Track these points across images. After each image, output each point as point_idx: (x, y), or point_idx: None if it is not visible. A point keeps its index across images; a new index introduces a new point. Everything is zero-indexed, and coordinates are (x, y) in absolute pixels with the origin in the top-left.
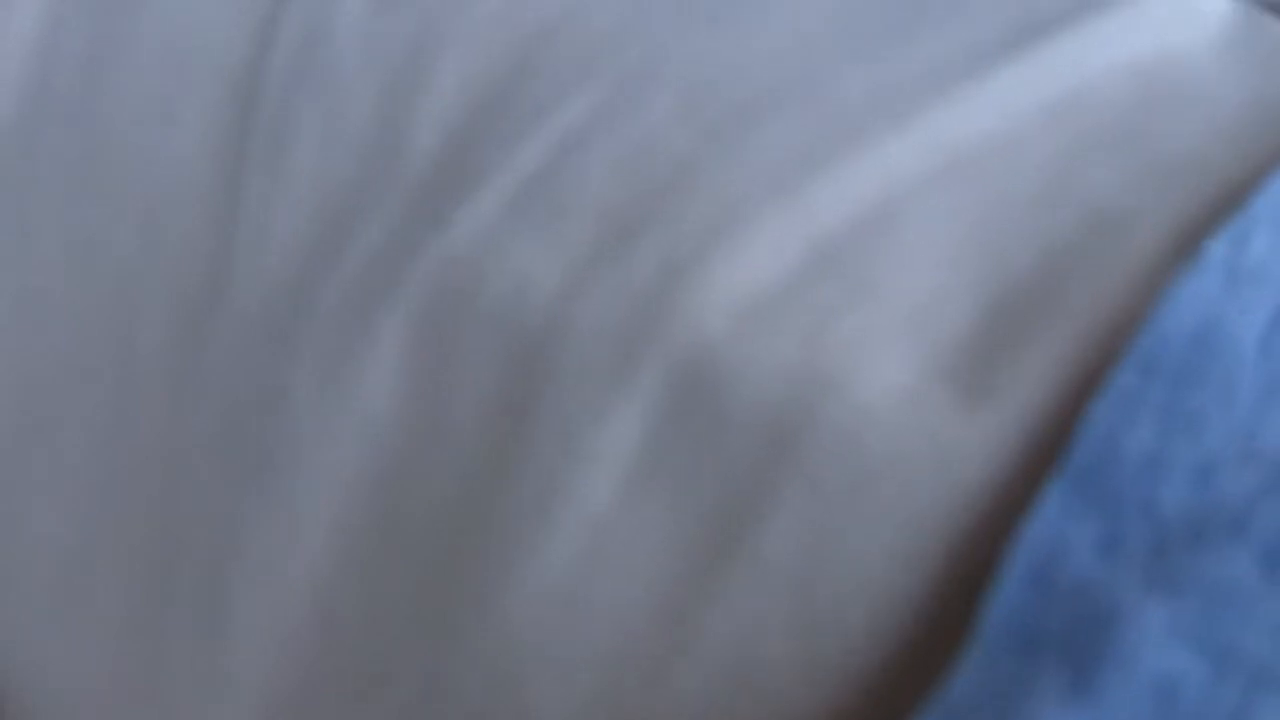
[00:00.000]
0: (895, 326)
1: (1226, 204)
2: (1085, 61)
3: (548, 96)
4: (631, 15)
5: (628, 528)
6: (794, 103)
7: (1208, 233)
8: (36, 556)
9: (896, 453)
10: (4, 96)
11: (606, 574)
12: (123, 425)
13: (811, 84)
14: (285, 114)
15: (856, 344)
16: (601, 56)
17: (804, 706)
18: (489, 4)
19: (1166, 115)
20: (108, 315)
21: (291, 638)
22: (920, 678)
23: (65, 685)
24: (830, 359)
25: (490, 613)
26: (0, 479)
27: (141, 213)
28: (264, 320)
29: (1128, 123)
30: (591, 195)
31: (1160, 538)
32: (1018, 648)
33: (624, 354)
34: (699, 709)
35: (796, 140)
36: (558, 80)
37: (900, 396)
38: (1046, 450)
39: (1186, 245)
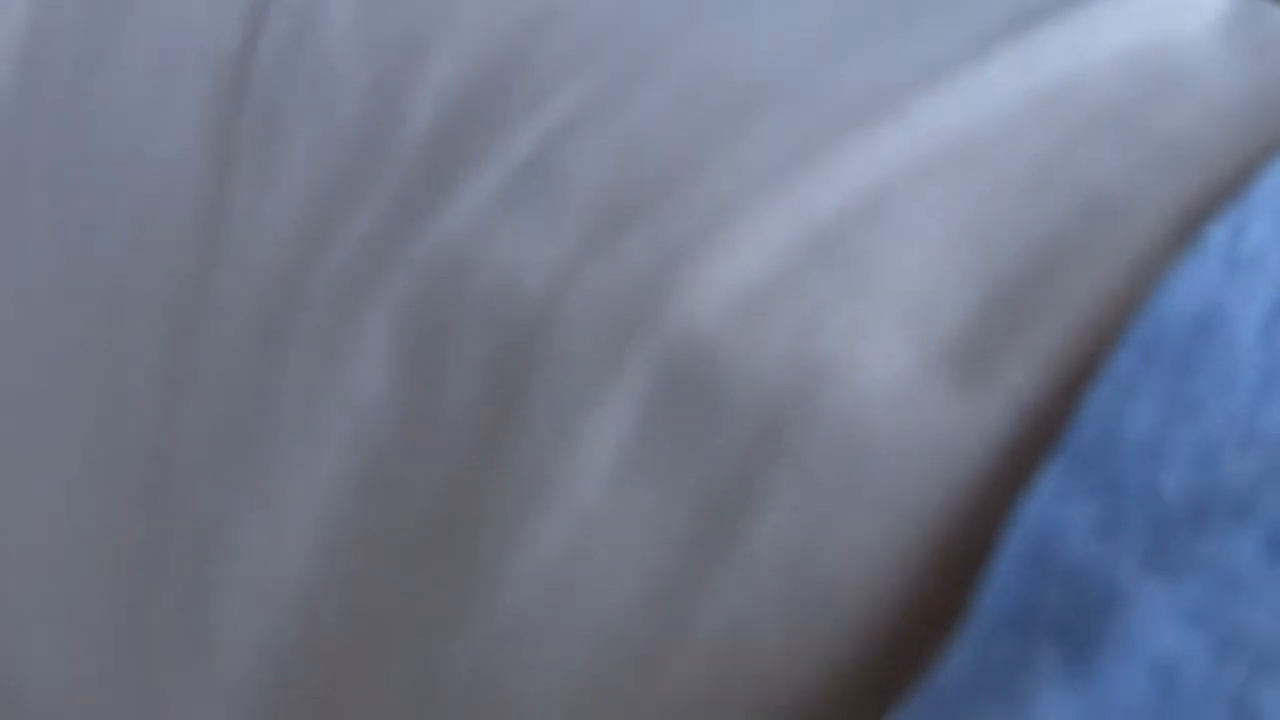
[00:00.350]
0: (890, 315)
1: (1225, 190)
2: (1082, 48)
3: (540, 86)
4: (626, 5)
5: (619, 518)
6: (789, 93)
7: (1206, 219)
8: (19, 556)
9: (891, 442)
10: None
11: (597, 564)
12: (109, 423)
13: (806, 75)
14: (274, 107)
15: (851, 333)
16: (595, 46)
17: (797, 694)
18: None
19: (1164, 102)
20: (95, 311)
21: (278, 634)
22: (914, 664)
23: (49, 686)
24: (825, 348)
25: (479, 605)
26: None
27: (129, 208)
28: (252, 314)
29: (1125, 109)
30: (584, 186)
31: (1161, 521)
32: (1014, 629)
33: (616, 344)
34: (691, 698)
35: (791, 131)
36: (550, 70)
37: (895, 385)
38: (1043, 438)
39: (1184, 232)
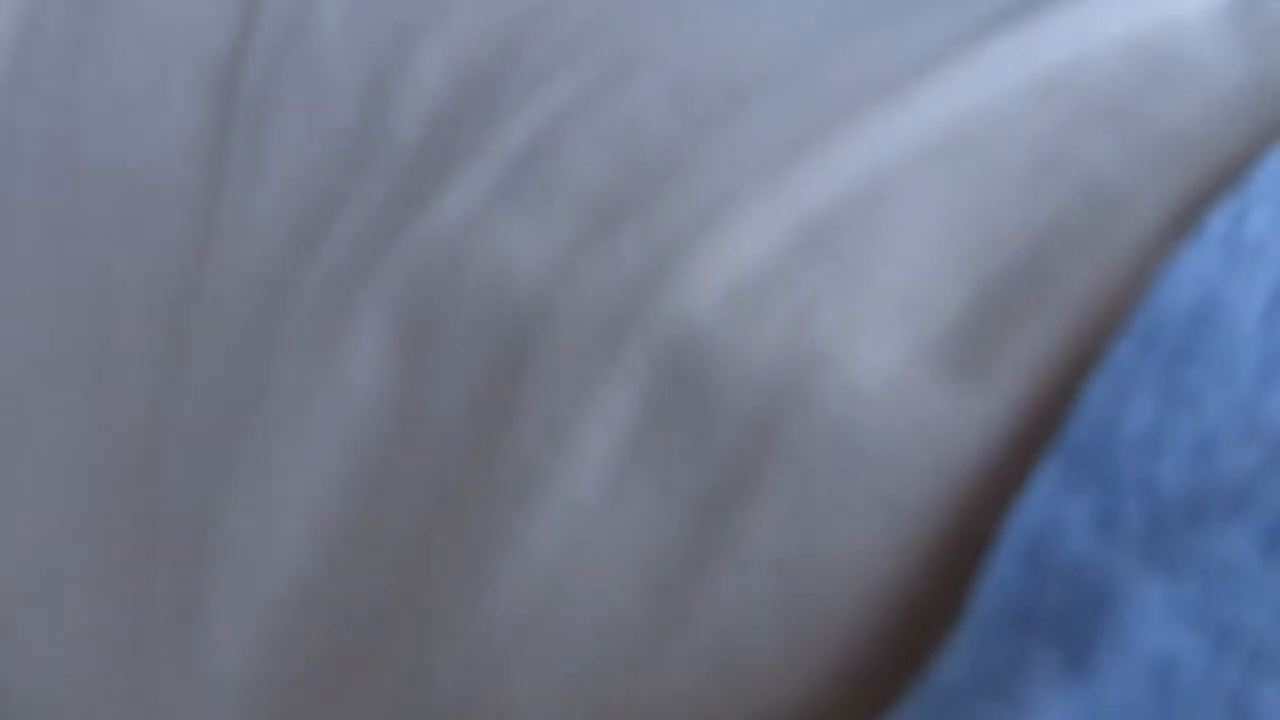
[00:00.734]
0: (885, 308)
1: (1224, 180)
2: (1080, 36)
3: (532, 79)
4: None
5: (613, 515)
6: (782, 84)
7: (1205, 209)
8: (9, 555)
9: (886, 436)
10: None
11: (592, 561)
12: (101, 417)
13: (800, 65)
14: (266, 100)
15: (846, 327)
16: (587, 38)
17: (792, 692)
18: None
19: (1163, 90)
20: (86, 306)
21: (271, 631)
22: (911, 662)
23: (45, 681)
24: (819, 342)
25: (473, 603)
26: None
27: (121, 202)
28: (245, 309)
29: (1123, 98)
30: (576, 178)
31: (1158, 516)
32: (1011, 627)
33: (610, 339)
34: (685, 697)
35: (785, 122)
36: (543, 62)
37: (890, 379)
38: (1040, 431)
39: (1183, 222)
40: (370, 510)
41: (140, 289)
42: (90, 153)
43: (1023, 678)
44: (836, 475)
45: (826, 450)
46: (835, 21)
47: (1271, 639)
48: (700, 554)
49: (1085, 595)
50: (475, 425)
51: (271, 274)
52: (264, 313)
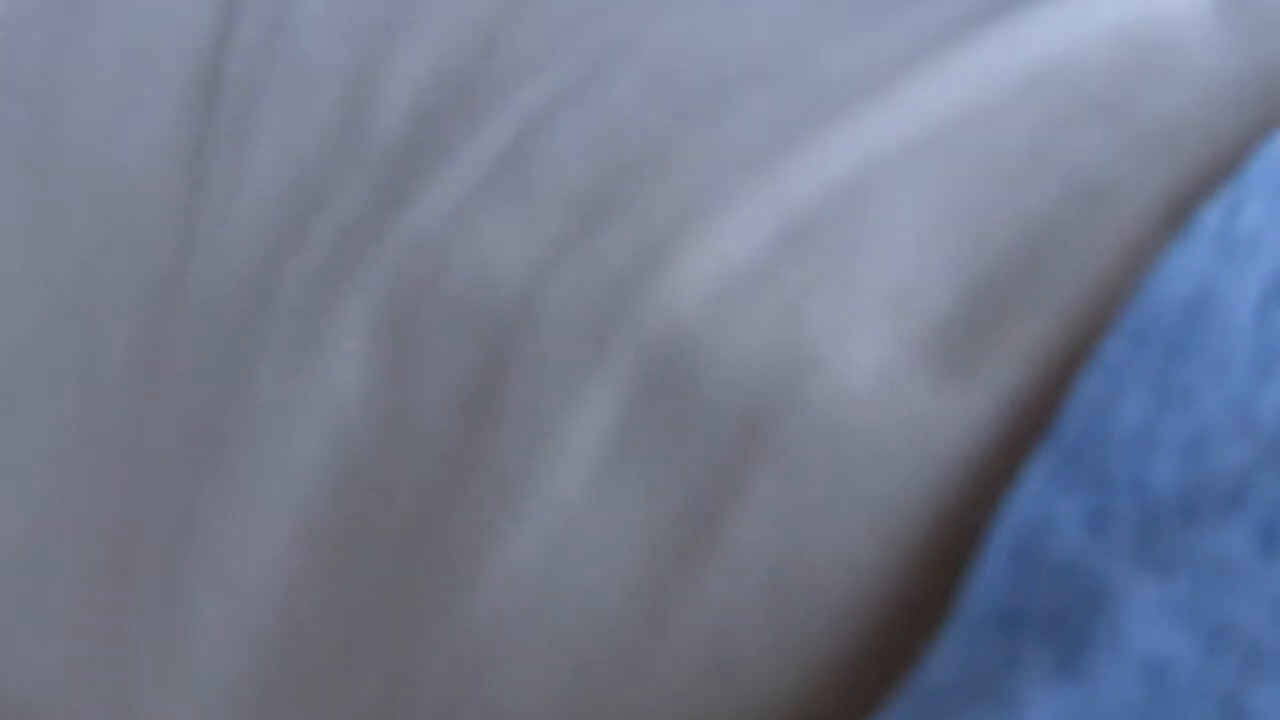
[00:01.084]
0: (873, 305)
1: (1216, 173)
2: (1070, 29)
3: (515, 73)
4: None
5: (599, 515)
6: (768, 79)
7: (1197, 203)
8: None
9: (875, 434)
10: None
11: (578, 563)
12: (83, 416)
13: (786, 59)
14: (248, 97)
15: (833, 323)
16: (571, 33)
17: (781, 691)
18: None
19: (1153, 83)
20: (69, 304)
21: (254, 632)
22: (900, 661)
23: (26, 680)
24: (806, 339)
25: (458, 604)
26: None
27: (103, 200)
28: (227, 308)
29: (1114, 91)
30: (560, 175)
31: (1151, 513)
32: (1000, 626)
33: (594, 337)
34: (674, 697)
35: (771, 117)
36: (525, 57)
37: (879, 376)
38: (1030, 429)
39: (1175, 216)
40: (353, 510)
41: (123, 285)
42: (72, 148)
43: (1013, 678)
44: (824, 473)
45: (814, 448)
46: (822, 15)
47: (1267, 638)
48: (687, 553)
49: (1076, 594)
50: (459, 424)
51: (255, 271)
52: (247, 310)
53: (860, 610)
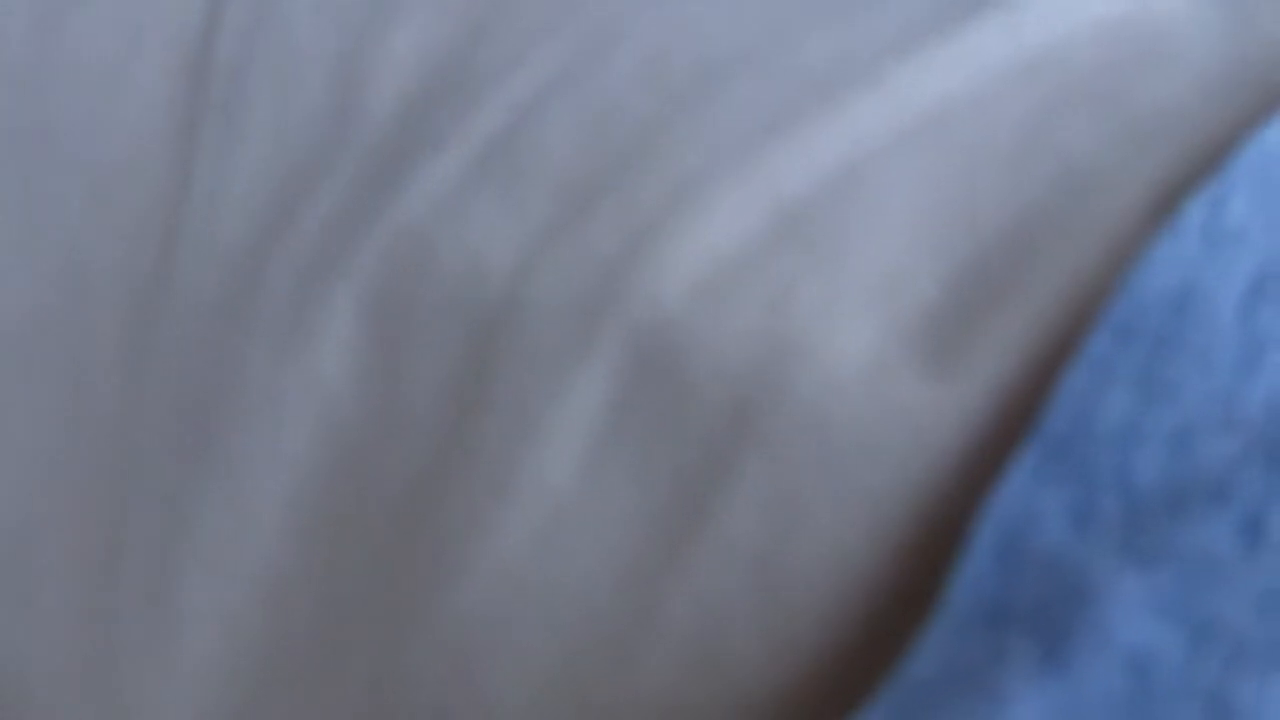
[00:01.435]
0: (861, 294)
1: (1205, 164)
2: (1059, 17)
3: (503, 62)
4: None
5: (588, 505)
6: (758, 66)
7: (1185, 194)
8: None
9: (862, 424)
10: None
11: (566, 552)
12: (72, 403)
13: (776, 47)
14: (237, 82)
15: (821, 313)
16: (560, 19)
17: (769, 681)
18: None
19: (1145, 72)
20: (57, 289)
21: (242, 621)
22: (887, 652)
23: (12, 666)
24: (794, 328)
25: (447, 594)
26: None
27: (91, 184)
28: (216, 294)
29: (1103, 80)
30: (548, 163)
31: (1136, 508)
32: (986, 620)
33: (583, 325)
34: (662, 686)
35: (760, 104)
36: (514, 45)
37: (866, 366)
38: (1017, 420)
39: (1163, 207)
40: (343, 498)
41: (111, 271)
42: (60, 133)
43: (998, 671)
44: (812, 462)
45: (802, 437)
46: (813, 2)
47: (1251, 632)
48: (675, 541)
49: (1061, 588)
50: (447, 412)
51: (244, 257)
52: (236, 297)
53: (847, 599)
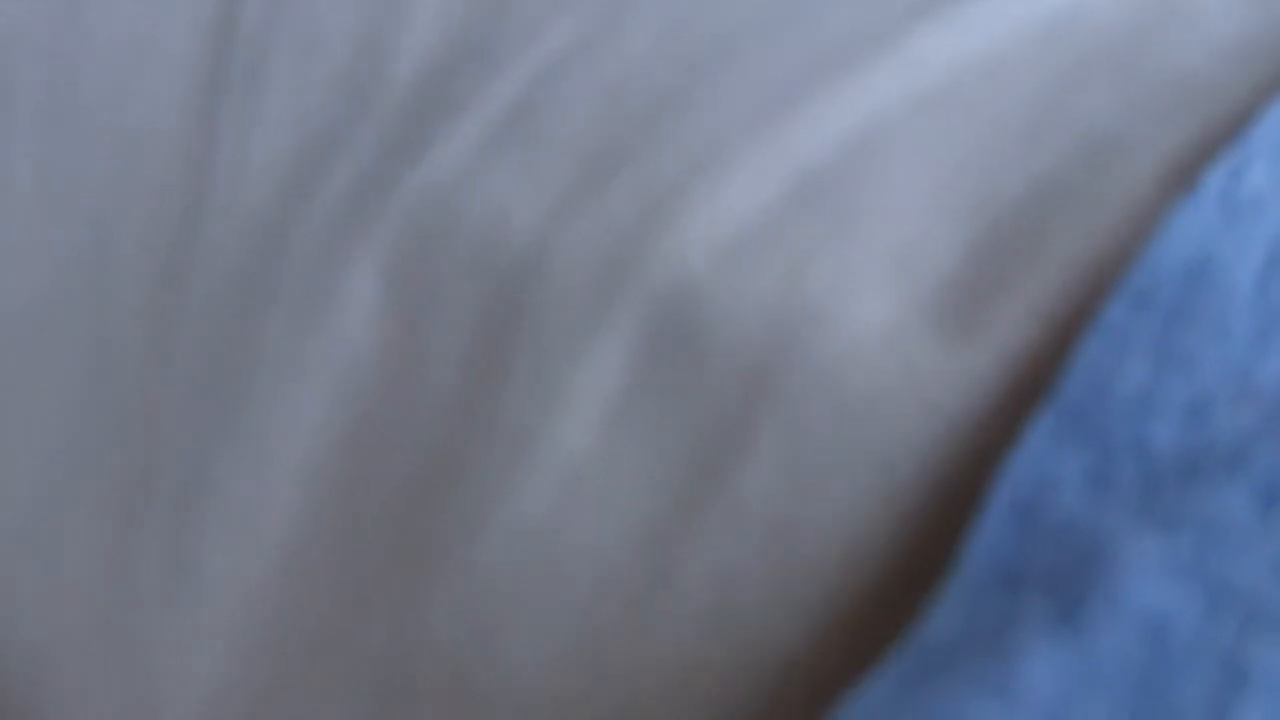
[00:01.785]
0: (879, 262)
1: (1225, 132)
2: None
3: (525, 29)
4: None
5: (606, 469)
6: (777, 34)
7: (1205, 162)
8: (8, 504)
9: (879, 391)
10: None
11: (584, 516)
12: (96, 369)
13: (795, 14)
14: (261, 50)
15: (839, 280)
16: None
17: (784, 645)
18: None
19: (1165, 38)
20: (82, 257)
21: (263, 585)
22: (901, 616)
23: (35, 630)
24: (812, 296)
25: (465, 558)
26: None
27: (116, 151)
28: (239, 258)
29: (1122, 47)
30: (569, 130)
31: (1152, 474)
32: (1001, 583)
33: (603, 292)
34: (678, 650)
35: (779, 72)
36: (537, 11)
37: (883, 333)
38: (1033, 388)
39: (1184, 175)
40: (363, 462)
41: (136, 239)
42: (85, 104)
43: (1012, 634)
44: (828, 428)
45: (819, 404)
46: None
47: (1265, 597)
48: (693, 506)
49: (1076, 552)
50: (468, 377)
51: (267, 224)
52: (259, 262)
53: (862, 564)
